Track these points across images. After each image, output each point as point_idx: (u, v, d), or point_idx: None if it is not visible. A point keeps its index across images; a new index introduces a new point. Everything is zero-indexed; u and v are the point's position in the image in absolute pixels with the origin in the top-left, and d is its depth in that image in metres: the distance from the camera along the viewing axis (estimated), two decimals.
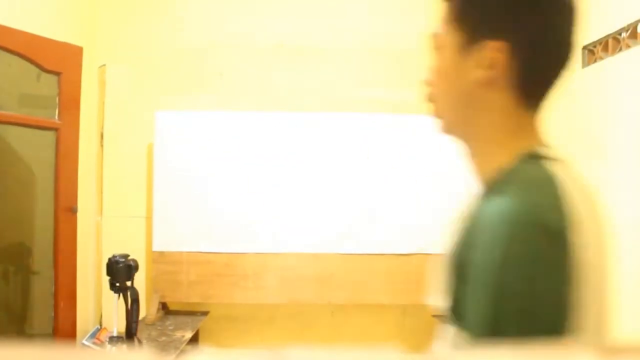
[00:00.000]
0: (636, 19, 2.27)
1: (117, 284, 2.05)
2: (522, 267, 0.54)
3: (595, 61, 2.57)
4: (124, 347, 2.10)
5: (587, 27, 2.59)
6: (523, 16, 0.64)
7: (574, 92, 2.72)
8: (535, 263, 0.54)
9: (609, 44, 2.46)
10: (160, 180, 3.20)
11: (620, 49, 2.38)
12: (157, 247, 3.19)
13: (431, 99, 0.73)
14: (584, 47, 2.63)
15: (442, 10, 0.71)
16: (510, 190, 0.59)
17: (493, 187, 0.65)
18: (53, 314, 2.87)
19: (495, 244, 0.56)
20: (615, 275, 2.14)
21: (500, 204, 0.58)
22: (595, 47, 2.57)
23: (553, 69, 0.66)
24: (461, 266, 0.63)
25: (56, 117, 2.95)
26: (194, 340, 3.08)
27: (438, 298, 0.69)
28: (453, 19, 0.69)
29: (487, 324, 0.56)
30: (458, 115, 0.70)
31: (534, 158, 0.64)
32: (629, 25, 2.32)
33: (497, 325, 0.55)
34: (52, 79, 2.96)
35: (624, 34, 2.36)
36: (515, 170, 0.63)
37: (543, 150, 0.65)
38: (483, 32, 0.66)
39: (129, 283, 2.08)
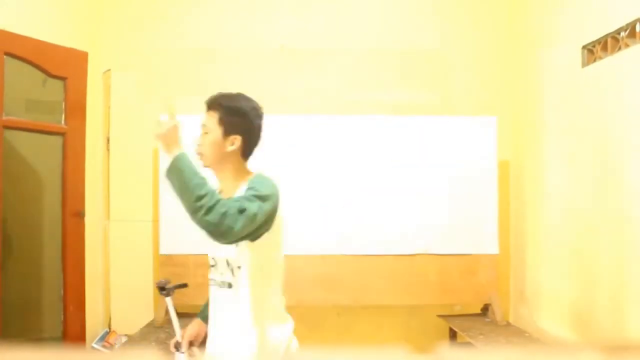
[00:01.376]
0: (635, 18, 2.28)
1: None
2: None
3: (594, 61, 2.58)
4: (133, 349, 2.13)
5: (587, 27, 2.61)
6: (247, 125, 1.59)
7: (574, 91, 2.74)
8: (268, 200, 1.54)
9: (608, 44, 2.48)
10: (166, 184, 3.21)
11: (620, 49, 2.40)
12: (163, 250, 3.22)
13: (202, 157, 1.61)
14: (584, 47, 2.65)
15: (210, 116, 1.61)
16: (261, 177, 1.59)
17: (251, 180, 1.59)
18: (62, 318, 2.91)
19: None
20: (623, 275, 2.15)
21: (264, 178, 1.59)
22: (594, 46, 2.58)
23: (257, 143, 1.64)
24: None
25: (62, 122, 2.99)
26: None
27: None
28: (218, 122, 1.59)
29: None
30: (216, 163, 1.62)
31: (260, 174, 1.61)
32: (627, 25, 2.33)
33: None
34: (58, 84, 2.99)
35: (622, 34, 2.38)
36: (258, 176, 1.60)
37: (259, 172, 1.63)
38: (231, 131, 1.58)
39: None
